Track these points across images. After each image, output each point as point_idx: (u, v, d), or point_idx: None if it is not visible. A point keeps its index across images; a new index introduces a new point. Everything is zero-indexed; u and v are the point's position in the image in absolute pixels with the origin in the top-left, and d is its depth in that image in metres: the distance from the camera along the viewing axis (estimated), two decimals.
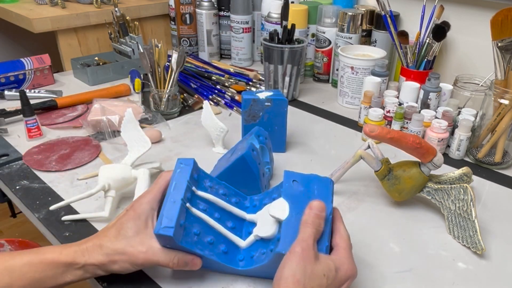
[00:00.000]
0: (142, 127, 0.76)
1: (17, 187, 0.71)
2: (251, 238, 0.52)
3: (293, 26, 1.02)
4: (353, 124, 0.97)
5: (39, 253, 0.48)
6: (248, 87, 1.11)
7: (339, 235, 0.48)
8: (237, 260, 0.51)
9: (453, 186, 0.63)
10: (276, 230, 0.50)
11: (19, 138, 0.87)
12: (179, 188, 0.50)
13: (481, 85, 0.89)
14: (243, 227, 0.55)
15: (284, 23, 1.00)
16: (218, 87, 1.09)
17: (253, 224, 0.54)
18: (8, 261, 0.47)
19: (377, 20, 1.12)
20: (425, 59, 0.97)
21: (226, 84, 1.11)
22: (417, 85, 0.92)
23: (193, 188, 0.53)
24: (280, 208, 0.49)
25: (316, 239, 0.45)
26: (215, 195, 0.55)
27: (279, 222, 0.49)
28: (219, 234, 0.52)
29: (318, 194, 0.51)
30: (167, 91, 0.94)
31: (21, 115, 0.84)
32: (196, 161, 0.55)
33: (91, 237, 0.50)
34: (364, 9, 1.12)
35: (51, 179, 0.73)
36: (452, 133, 0.83)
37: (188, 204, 0.50)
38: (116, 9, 1.17)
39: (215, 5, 1.28)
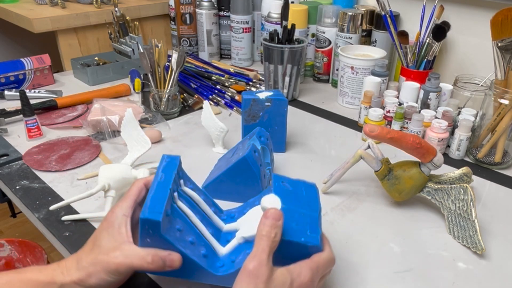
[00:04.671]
0: (142, 127, 0.76)
1: (17, 187, 0.71)
2: (233, 243, 0.50)
3: (293, 26, 1.02)
4: (353, 124, 0.97)
5: (20, 273, 0.47)
6: (248, 87, 1.11)
7: None
8: (217, 267, 0.49)
9: (453, 186, 0.63)
10: None
11: (19, 138, 0.87)
12: (167, 178, 0.48)
13: (481, 85, 0.89)
14: (220, 237, 0.53)
15: (284, 23, 1.00)
16: (218, 87, 1.09)
17: (230, 234, 0.52)
18: None
19: (377, 20, 1.12)
20: (425, 59, 0.97)
21: (226, 84, 1.11)
22: (417, 85, 0.92)
23: (181, 181, 0.51)
24: (272, 201, 0.47)
25: (272, 251, 0.43)
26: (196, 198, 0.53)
27: None
28: (200, 236, 0.49)
29: (307, 195, 0.51)
30: (167, 91, 0.94)
31: (21, 115, 0.84)
32: (181, 160, 0.53)
33: (72, 254, 0.49)
34: (364, 9, 1.12)
35: (51, 179, 0.73)
36: (452, 133, 0.83)
37: (175, 194, 0.49)
38: (116, 9, 1.17)
39: (215, 5, 1.28)
